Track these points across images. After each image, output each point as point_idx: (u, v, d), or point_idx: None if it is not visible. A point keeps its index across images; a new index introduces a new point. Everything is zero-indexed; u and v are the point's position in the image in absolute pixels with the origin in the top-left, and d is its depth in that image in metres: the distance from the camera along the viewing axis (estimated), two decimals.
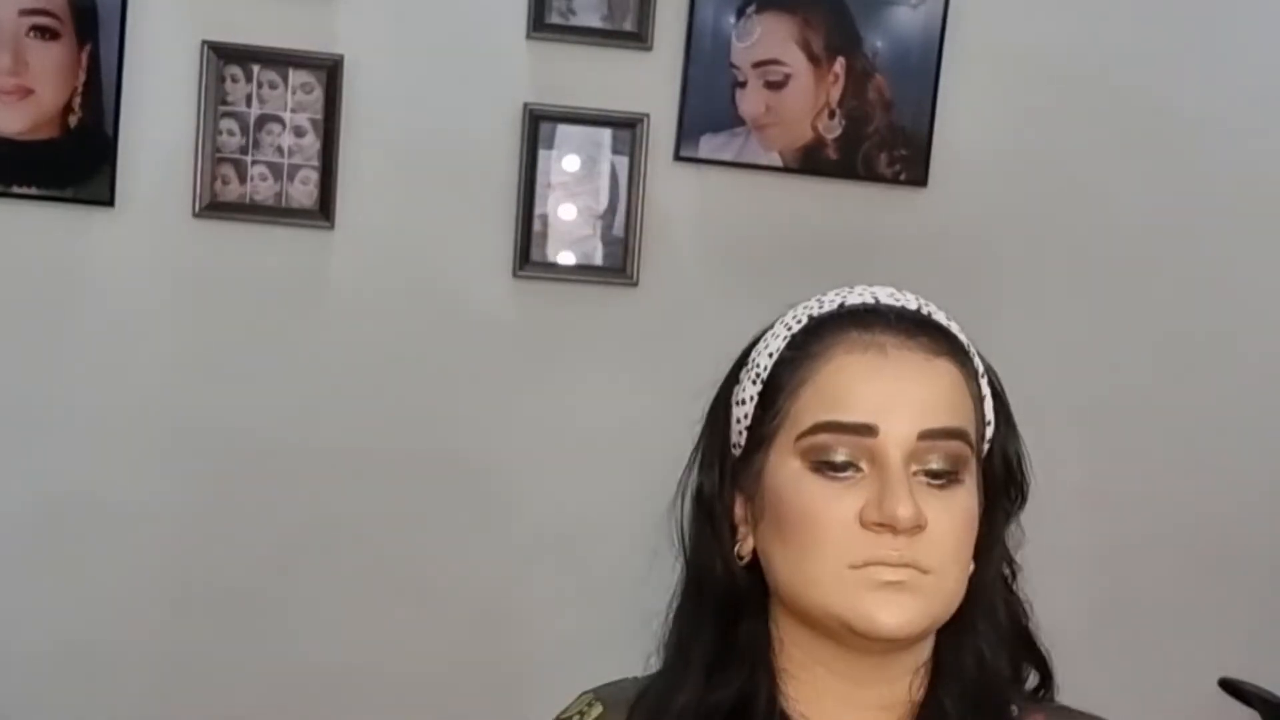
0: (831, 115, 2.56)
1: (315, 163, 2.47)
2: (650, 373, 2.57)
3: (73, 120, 2.41)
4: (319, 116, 2.46)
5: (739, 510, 1.08)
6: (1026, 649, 1.11)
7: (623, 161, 2.53)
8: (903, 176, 2.58)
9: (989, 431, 1.09)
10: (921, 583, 1.00)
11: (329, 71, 2.46)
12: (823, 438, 1.01)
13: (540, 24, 2.49)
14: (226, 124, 2.45)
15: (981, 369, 1.09)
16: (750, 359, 1.09)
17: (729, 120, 2.54)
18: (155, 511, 2.50)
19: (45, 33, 2.39)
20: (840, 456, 1.01)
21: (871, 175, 2.58)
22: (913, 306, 1.08)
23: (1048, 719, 1.10)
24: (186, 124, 2.44)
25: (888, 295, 1.09)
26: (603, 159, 2.53)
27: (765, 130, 2.55)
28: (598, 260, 2.55)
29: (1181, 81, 2.64)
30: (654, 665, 1.16)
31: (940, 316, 1.09)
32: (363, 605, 2.55)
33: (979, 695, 1.06)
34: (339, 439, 2.52)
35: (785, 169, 2.56)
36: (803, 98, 2.55)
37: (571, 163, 2.53)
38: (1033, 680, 1.13)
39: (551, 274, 2.54)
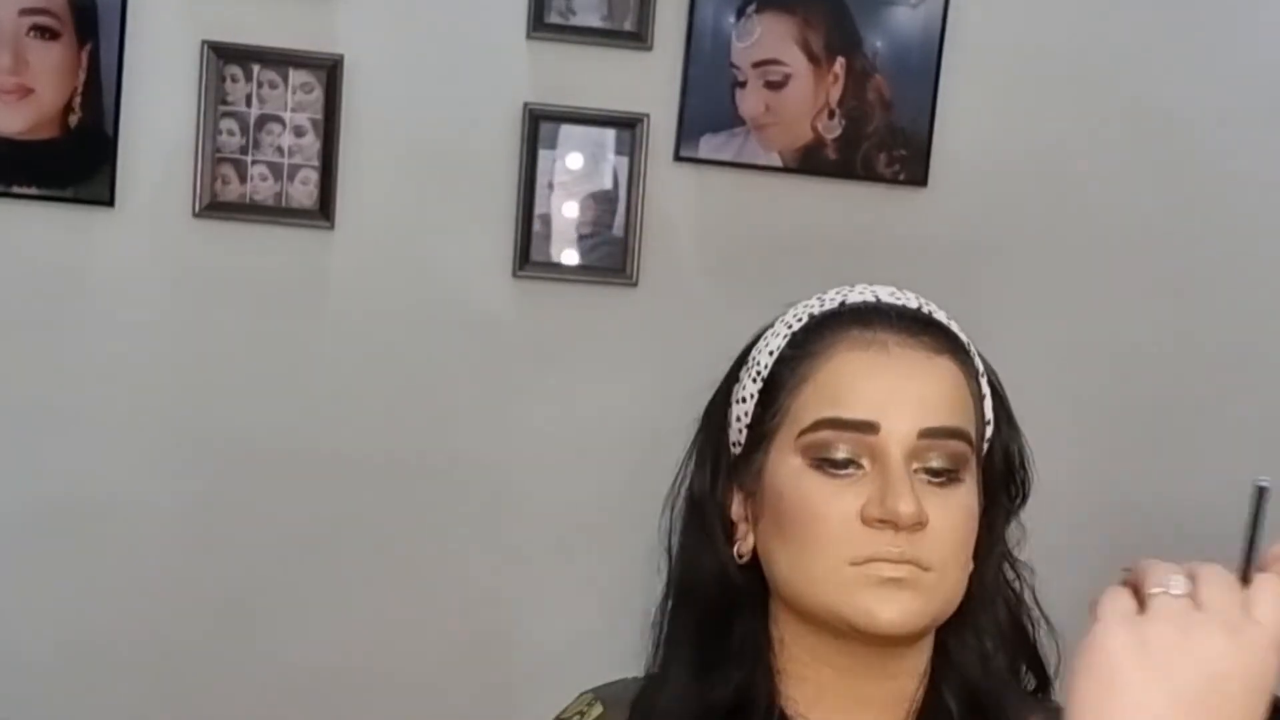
0: (831, 115, 2.56)
1: (315, 163, 2.47)
2: (650, 373, 2.57)
3: (73, 120, 2.41)
4: (319, 116, 2.46)
5: (738, 509, 1.08)
6: (1025, 650, 1.12)
7: (623, 161, 2.53)
8: (902, 176, 2.58)
9: (989, 430, 1.09)
10: (922, 580, 1.00)
11: (329, 71, 2.46)
12: (824, 434, 1.01)
13: (540, 24, 2.49)
14: (226, 124, 2.45)
15: (981, 368, 1.09)
16: (750, 357, 1.10)
17: (729, 120, 2.54)
18: (155, 511, 2.50)
19: (45, 32, 2.39)
20: (841, 454, 1.02)
21: (871, 175, 2.58)
22: (913, 305, 1.08)
23: (1045, 719, 1.11)
24: (186, 124, 2.44)
25: (888, 294, 1.09)
26: (603, 159, 2.53)
27: (765, 130, 2.55)
28: (598, 260, 2.55)
29: (1182, 81, 2.64)
30: (650, 666, 1.16)
31: (941, 315, 1.09)
32: (362, 605, 2.55)
33: (980, 693, 1.06)
34: (339, 439, 2.52)
35: (785, 169, 2.57)
36: (802, 98, 2.55)
37: (571, 162, 2.53)
38: (1032, 681, 1.14)
39: (551, 274, 2.54)
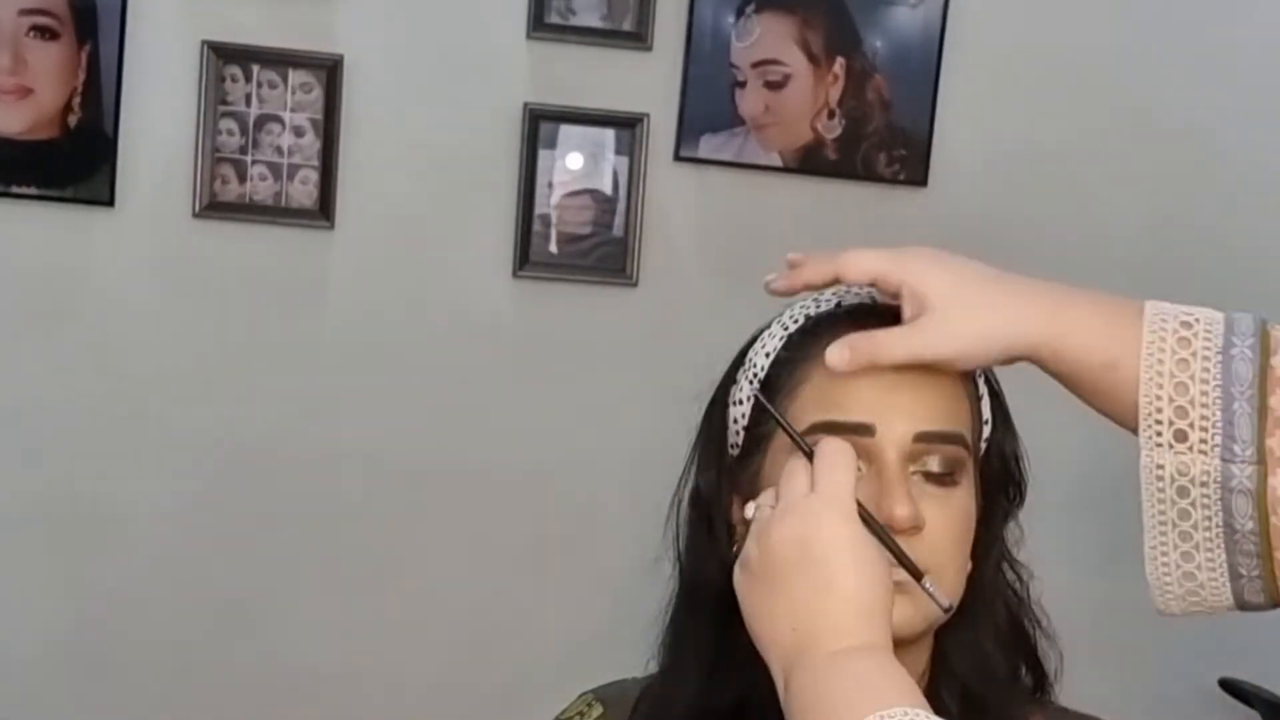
0: (831, 115, 2.56)
1: (315, 163, 2.47)
2: (650, 373, 2.57)
3: (72, 120, 2.41)
4: (319, 116, 2.46)
5: (738, 510, 1.08)
6: (1024, 650, 1.11)
7: (623, 161, 2.53)
8: (902, 176, 2.59)
9: (986, 431, 1.09)
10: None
11: (329, 71, 2.46)
12: (820, 438, 1.01)
13: (540, 24, 2.49)
14: (226, 124, 2.45)
15: (979, 369, 1.09)
16: (747, 359, 1.09)
17: (729, 120, 2.54)
18: (154, 511, 2.50)
19: (45, 32, 2.39)
20: None
21: (871, 175, 2.58)
22: None
23: (1045, 718, 1.11)
24: (186, 124, 2.44)
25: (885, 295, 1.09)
26: (603, 159, 2.53)
27: (765, 130, 2.55)
28: (598, 260, 2.55)
29: (1181, 81, 2.64)
30: (653, 668, 1.16)
31: None
32: (362, 606, 2.55)
33: (979, 694, 1.06)
34: (338, 439, 2.52)
35: (785, 169, 2.57)
36: (802, 98, 2.55)
37: (571, 162, 2.53)
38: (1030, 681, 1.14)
39: (551, 274, 2.54)
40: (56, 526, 2.48)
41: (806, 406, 1.02)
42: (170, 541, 2.50)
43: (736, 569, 0.94)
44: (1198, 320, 0.97)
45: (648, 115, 2.52)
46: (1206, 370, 0.94)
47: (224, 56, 2.44)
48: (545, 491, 2.57)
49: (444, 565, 2.56)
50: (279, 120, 2.46)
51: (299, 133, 2.46)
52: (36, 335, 2.47)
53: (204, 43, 2.43)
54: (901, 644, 1.02)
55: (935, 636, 1.06)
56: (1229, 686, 2.48)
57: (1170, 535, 0.96)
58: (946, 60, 2.56)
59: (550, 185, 2.52)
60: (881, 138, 2.57)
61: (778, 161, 2.56)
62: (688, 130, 2.53)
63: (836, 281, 1.04)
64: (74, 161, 2.42)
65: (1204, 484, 0.95)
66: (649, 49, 2.52)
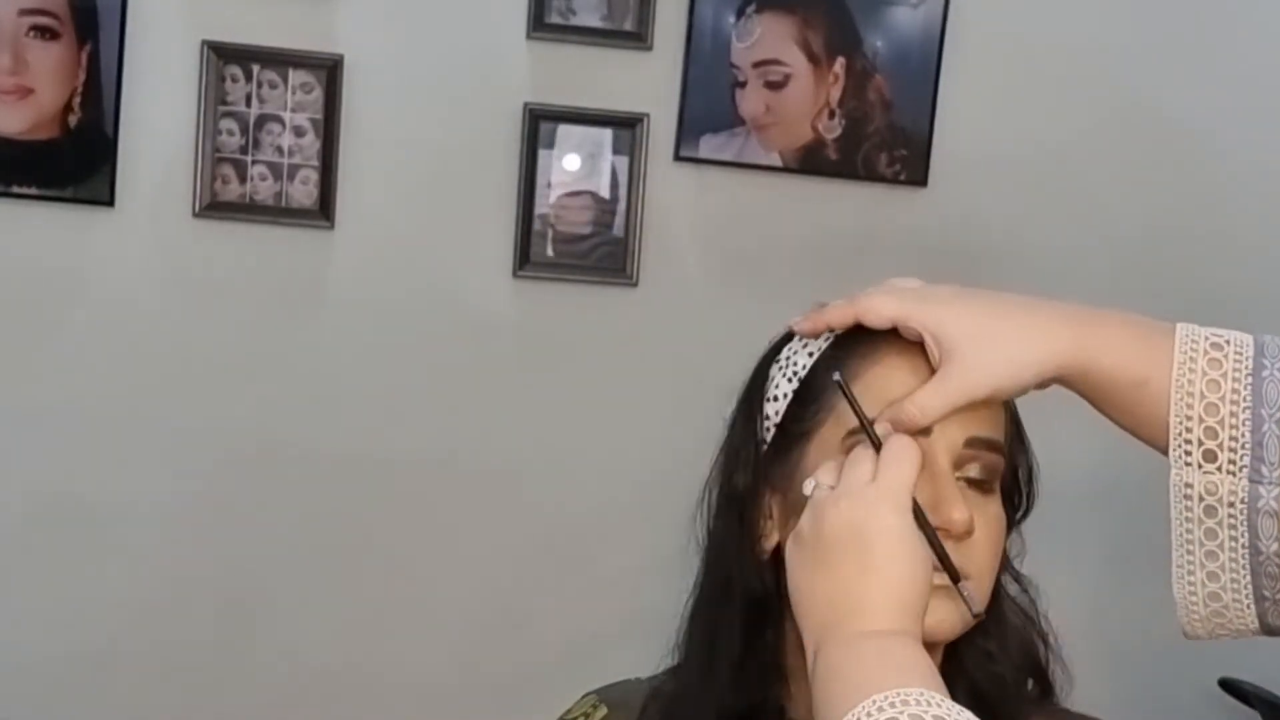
0: (831, 115, 2.56)
1: (315, 163, 2.47)
2: (650, 373, 2.57)
3: (73, 120, 2.41)
4: (319, 116, 2.46)
5: (764, 507, 1.08)
6: (1028, 657, 1.12)
7: (623, 161, 2.53)
8: (903, 176, 2.59)
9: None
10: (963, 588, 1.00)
11: (329, 71, 2.46)
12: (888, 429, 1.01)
13: (540, 24, 2.49)
14: (226, 124, 2.45)
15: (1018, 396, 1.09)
16: (784, 357, 1.09)
17: (729, 120, 2.54)
18: (154, 512, 2.50)
19: (45, 32, 2.39)
20: None
21: (871, 175, 2.58)
22: None
23: None
24: (186, 124, 2.44)
25: None
26: (603, 159, 2.53)
27: (765, 130, 2.55)
28: (598, 260, 2.55)
29: (1182, 82, 2.64)
30: (665, 664, 1.15)
31: None
32: (362, 606, 2.55)
33: (987, 696, 1.06)
34: (339, 439, 2.52)
35: (785, 169, 2.57)
36: (803, 98, 2.55)
37: (572, 162, 2.53)
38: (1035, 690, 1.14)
39: (551, 274, 2.54)
40: (56, 526, 2.48)
41: (861, 402, 1.02)
42: (170, 541, 2.50)
43: (790, 540, 0.97)
44: (1228, 342, 0.99)
45: (648, 115, 2.52)
46: (1237, 391, 0.96)
47: (224, 56, 2.44)
48: (546, 491, 2.57)
49: (444, 565, 2.56)
50: (279, 120, 2.46)
51: (299, 133, 2.46)
52: (36, 335, 2.47)
53: (204, 43, 2.43)
54: (929, 646, 1.01)
55: (951, 642, 1.06)
56: (1229, 686, 2.48)
57: (1196, 554, 0.97)
58: (946, 60, 2.56)
59: (550, 185, 2.52)
60: (882, 138, 2.57)
61: (778, 161, 2.56)
62: (688, 130, 2.53)
63: (858, 324, 1.05)
64: (74, 161, 2.42)
65: (1231, 504, 0.96)
66: (649, 49, 2.52)
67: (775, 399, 1.08)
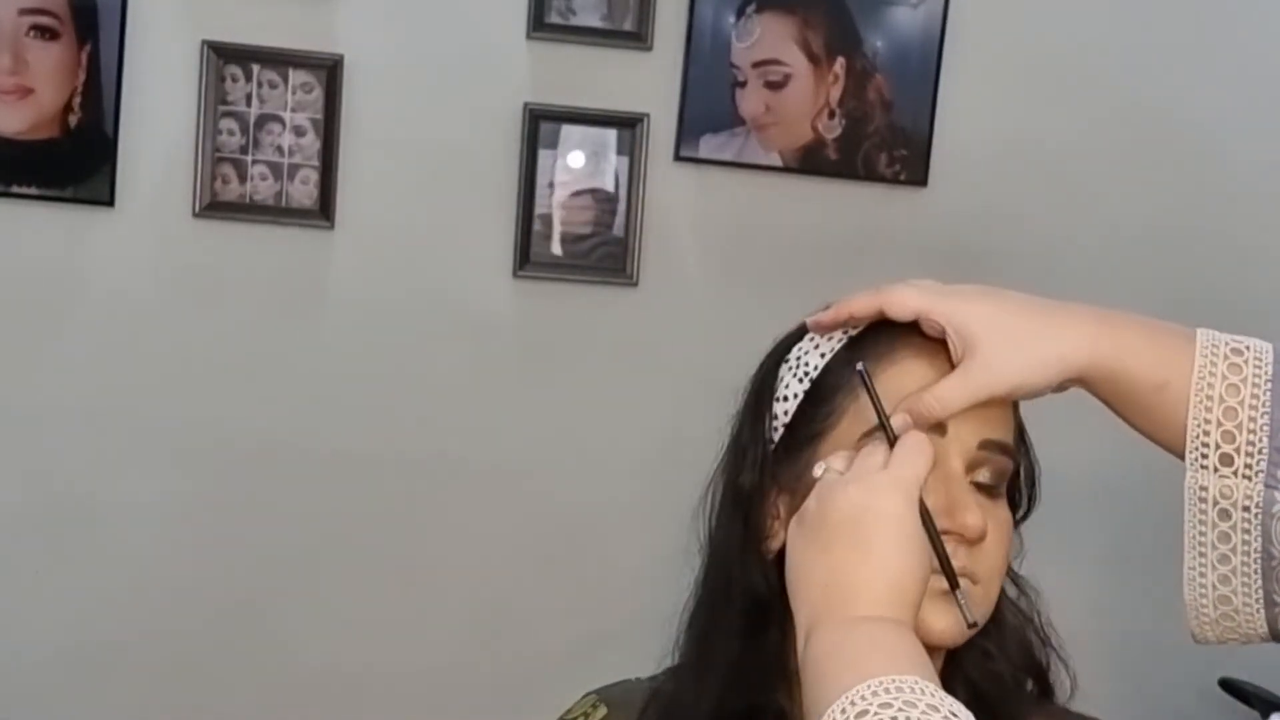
0: (831, 115, 2.56)
1: (315, 163, 2.47)
2: (650, 373, 2.57)
3: (73, 120, 2.41)
4: (319, 116, 2.46)
5: (771, 507, 1.07)
6: (1029, 658, 1.12)
7: (623, 161, 2.53)
8: (903, 176, 2.59)
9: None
10: (972, 592, 1.00)
11: (329, 71, 2.46)
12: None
13: (540, 24, 2.49)
14: (226, 124, 2.45)
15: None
16: (794, 356, 1.08)
17: (729, 120, 2.54)
18: (155, 512, 2.50)
19: (45, 32, 2.39)
20: None
21: (871, 175, 2.58)
22: None
23: None
24: (186, 124, 2.44)
25: None
26: (603, 159, 2.53)
27: (765, 130, 2.55)
28: (598, 260, 2.55)
29: (1182, 82, 2.64)
30: (665, 664, 1.15)
31: None
32: (361, 605, 2.55)
33: (987, 695, 1.06)
34: (339, 439, 2.52)
35: (785, 169, 2.57)
36: (803, 98, 2.55)
37: (572, 162, 2.53)
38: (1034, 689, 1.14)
39: (551, 274, 2.54)
40: (56, 526, 2.48)
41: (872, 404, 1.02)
42: (170, 540, 2.50)
43: (794, 521, 0.97)
44: (1248, 348, 0.99)
45: (648, 115, 2.52)
46: (1256, 397, 0.97)
47: (224, 56, 2.44)
48: (546, 491, 2.57)
49: (444, 565, 2.56)
50: (279, 120, 2.46)
51: (299, 133, 2.46)
52: (36, 335, 2.47)
53: (204, 43, 2.43)
54: (931, 651, 1.01)
55: None
56: (1229, 686, 2.48)
57: (1209, 557, 0.97)
58: (946, 60, 2.56)
59: (551, 185, 2.52)
60: (882, 138, 2.57)
61: (778, 161, 2.56)
62: (688, 130, 2.53)
63: (880, 316, 1.04)
64: (74, 161, 2.42)
65: (1246, 509, 0.97)
66: (649, 49, 2.52)
67: (785, 399, 1.07)
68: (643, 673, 1.18)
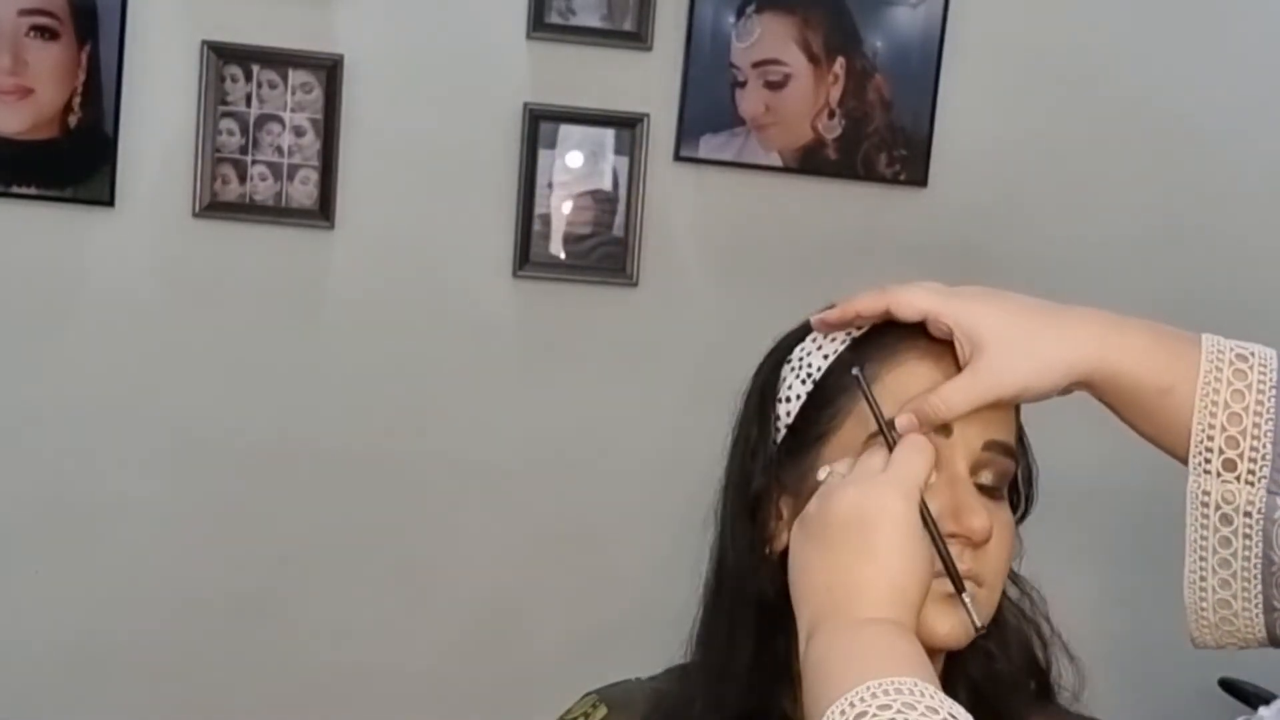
0: (831, 115, 2.56)
1: (315, 163, 2.47)
2: (650, 373, 2.57)
3: (73, 120, 2.41)
4: (319, 116, 2.46)
5: (775, 508, 1.07)
6: (1029, 658, 1.12)
7: (623, 161, 2.53)
8: (903, 176, 2.59)
9: None
10: (976, 595, 1.00)
11: (329, 71, 2.46)
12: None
13: (540, 24, 2.49)
14: (226, 124, 2.45)
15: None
16: (797, 357, 1.08)
17: (729, 120, 2.54)
18: (155, 512, 2.50)
19: (45, 33, 2.39)
20: None
21: (871, 175, 2.58)
22: None
23: None
24: (186, 124, 2.44)
25: None
26: (603, 159, 2.53)
27: (765, 130, 2.55)
28: (598, 260, 2.55)
29: (1182, 81, 2.64)
30: (666, 663, 1.15)
31: None
32: (361, 605, 2.55)
33: (986, 696, 1.06)
34: (339, 439, 2.52)
35: (785, 169, 2.57)
36: (803, 98, 2.55)
37: (571, 162, 2.53)
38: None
39: (551, 274, 2.54)
40: (56, 526, 2.48)
41: (879, 405, 1.01)
42: (169, 541, 2.50)
43: (796, 523, 0.98)
44: (1253, 354, 0.99)
45: (648, 115, 2.52)
46: (1261, 403, 0.97)
47: (224, 56, 2.44)
48: (545, 490, 2.57)
49: (444, 564, 2.56)
50: (279, 120, 2.46)
51: (299, 133, 2.46)
52: (36, 335, 2.47)
53: (204, 43, 2.43)
54: (933, 653, 1.01)
55: None
56: (1229, 686, 2.48)
57: (1210, 562, 0.98)
58: (946, 60, 2.56)
59: (550, 185, 2.52)
60: (882, 138, 2.57)
61: (778, 161, 2.56)
62: (688, 130, 2.53)
63: (887, 315, 1.04)
64: (74, 161, 2.42)
65: (1248, 514, 0.97)
66: (649, 49, 2.52)
67: (787, 399, 1.07)
68: (643, 673, 1.18)
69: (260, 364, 2.51)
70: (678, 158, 2.54)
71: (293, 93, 2.46)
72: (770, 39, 2.53)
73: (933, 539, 0.96)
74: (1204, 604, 0.99)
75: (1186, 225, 2.67)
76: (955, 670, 1.06)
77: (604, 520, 2.56)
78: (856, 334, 1.06)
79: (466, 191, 2.53)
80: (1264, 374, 0.98)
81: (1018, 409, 1.07)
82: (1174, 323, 1.05)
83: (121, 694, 2.50)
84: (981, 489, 1.02)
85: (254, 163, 2.46)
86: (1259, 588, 0.98)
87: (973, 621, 0.99)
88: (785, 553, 1.04)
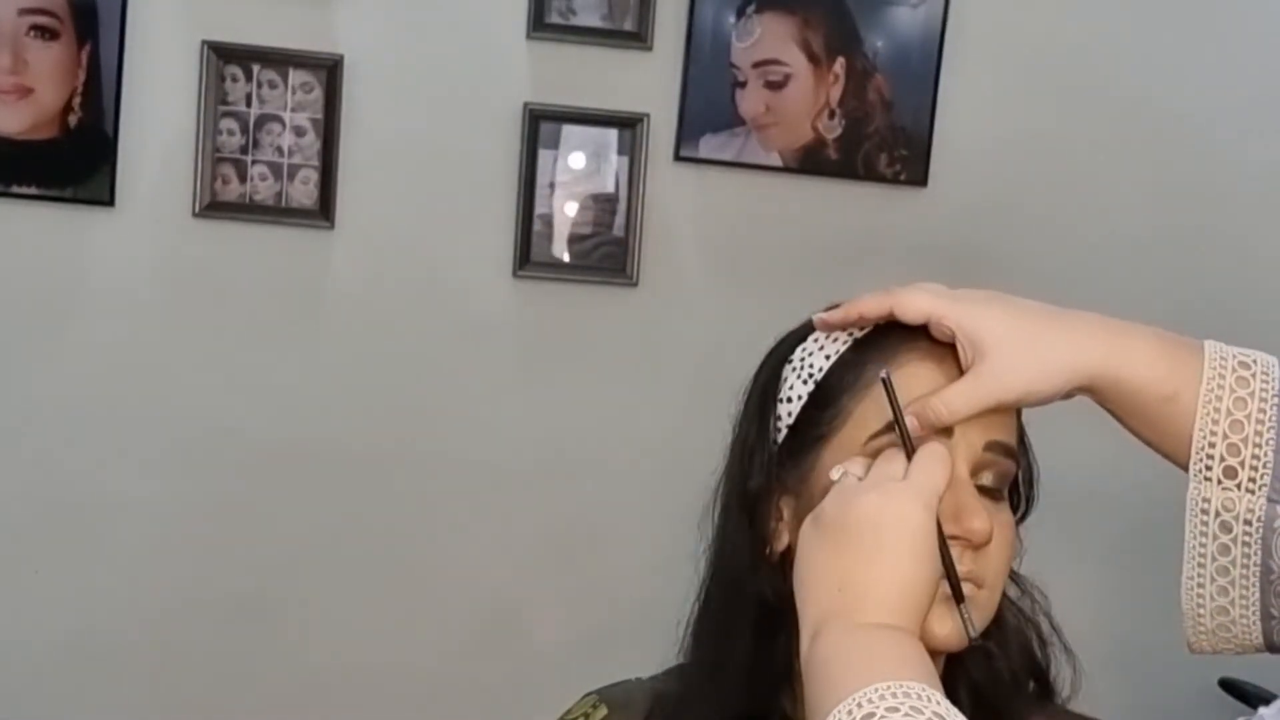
0: (831, 115, 2.56)
1: (315, 163, 2.47)
2: (650, 373, 2.57)
3: (73, 120, 2.41)
4: (319, 116, 2.46)
5: (774, 508, 1.07)
6: (1028, 659, 1.12)
7: (623, 161, 2.53)
8: (903, 176, 2.59)
9: None
10: (977, 597, 1.01)
11: (329, 71, 2.46)
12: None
13: (540, 24, 2.49)
14: (226, 124, 2.45)
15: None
16: (798, 357, 1.08)
17: (729, 120, 2.54)
18: (155, 511, 2.50)
19: (45, 32, 2.39)
20: None
21: (871, 175, 2.58)
22: None
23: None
24: (186, 124, 2.44)
25: None
26: (603, 159, 2.53)
27: (765, 130, 2.55)
28: (598, 260, 2.55)
29: (1182, 82, 2.64)
30: (666, 664, 1.15)
31: None
32: (361, 605, 2.55)
33: (986, 696, 1.06)
34: (339, 439, 2.52)
35: (785, 169, 2.57)
36: (803, 98, 2.55)
37: (572, 162, 2.53)
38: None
39: (551, 274, 2.54)
40: (56, 526, 2.48)
41: (879, 407, 1.01)
42: (169, 541, 2.50)
43: (808, 521, 0.98)
44: (1255, 362, 0.99)
45: (648, 115, 2.52)
46: (1263, 412, 0.97)
47: (224, 56, 2.44)
48: (545, 491, 2.57)
49: (444, 564, 2.56)
50: (279, 120, 2.46)
51: (299, 133, 2.46)
52: (36, 335, 2.47)
53: (204, 43, 2.43)
54: (932, 655, 1.01)
55: None
56: (1229, 686, 2.48)
57: (1209, 568, 0.98)
58: (946, 60, 2.56)
59: (551, 185, 2.52)
60: (882, 138, 2.57)
61: (778, 161, 2.56)
62: (688, 130, 2.53)
63: (890, 317, 1.04)
64: (74, 161, 2.42)
65: (1247, 522, 0.97)
66: (649, 49, 2.52)
67: (788, 400, 1.07)
68: (643, 673, 1.18)
69: (260, 364, 2.51)
70: (678, 158, 2.54)
71: (293, 93, 2.46)
72: (770, 39, 2.53)
73: (939, 547, 0.96)
74: (1201, 610, 1.00)
75: (1186, 226, 2.67)
76: (956, 670, 1.06)
77: (604, 520, 2.56)
78: (859, 335, 1.06)
79: (467, 191, 2.53)
80: (1266, 382, 0.98)
81: (1019, 411, 1.07)
82: (1173, 322, 1.05)
83: (121, 694, 2.50)
84: (982, 490, 1.02)
85: (254, 163, 2.46)
86: (1257, 595, 0.98)
87: (967, 632, 0.99)
88: (785, 553, 1.05)
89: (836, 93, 2.55)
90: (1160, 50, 2.64)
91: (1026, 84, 2.62)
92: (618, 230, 2.54)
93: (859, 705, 0.82)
